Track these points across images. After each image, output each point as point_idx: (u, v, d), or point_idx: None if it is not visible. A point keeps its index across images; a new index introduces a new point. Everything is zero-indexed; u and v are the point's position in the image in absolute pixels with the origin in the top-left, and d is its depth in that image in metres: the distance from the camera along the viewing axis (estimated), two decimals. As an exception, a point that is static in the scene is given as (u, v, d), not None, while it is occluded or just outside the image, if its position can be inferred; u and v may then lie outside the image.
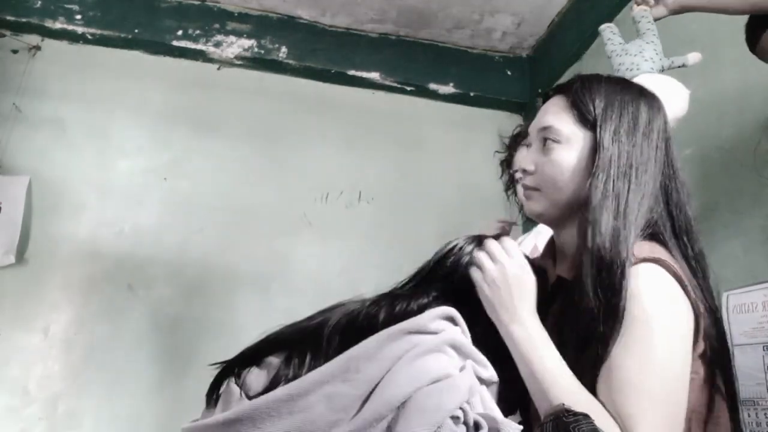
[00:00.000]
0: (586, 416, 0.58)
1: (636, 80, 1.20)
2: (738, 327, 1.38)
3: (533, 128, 1.02)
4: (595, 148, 0.93)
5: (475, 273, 0.90)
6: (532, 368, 0.83)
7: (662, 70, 1.36)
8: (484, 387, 0.80)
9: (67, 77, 2.65)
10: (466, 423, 0.72)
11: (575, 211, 0.93)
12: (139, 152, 2.64)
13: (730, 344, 1.05)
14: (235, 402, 0.81)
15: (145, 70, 2.74)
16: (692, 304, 0.86)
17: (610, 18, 2.40)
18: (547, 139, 0.97)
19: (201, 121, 2.72)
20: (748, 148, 1.59)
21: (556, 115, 0.98)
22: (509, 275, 0.88)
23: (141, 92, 2.70)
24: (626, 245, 0.85)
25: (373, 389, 0.73)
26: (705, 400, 0.86)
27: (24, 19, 2.62)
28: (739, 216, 1.57)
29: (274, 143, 2.71)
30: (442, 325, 0.82)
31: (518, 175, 1.30)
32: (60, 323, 2.38)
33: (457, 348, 0.80)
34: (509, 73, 3.02)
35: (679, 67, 1.37)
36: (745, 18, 1.32)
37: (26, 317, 2.37)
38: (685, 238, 0.92)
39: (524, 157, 1.03)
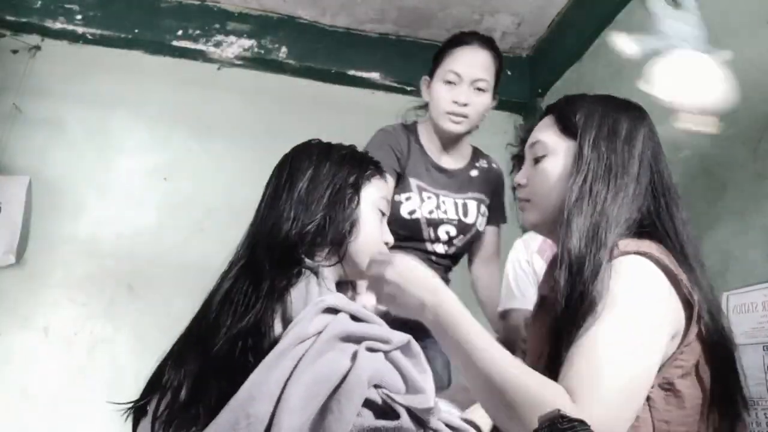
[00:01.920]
0: (582, 422, 0.58)
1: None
2: (738, 327, 1.38)
3: (526, 147, 1.09)
4: (577, 157, 0.98)
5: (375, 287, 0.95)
6: (462, 343, 0.85)
7: None
8: (397, 353, 0.78)
9: (67, 77, 2.64)
10: (385, 408, 0.73)
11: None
12: (139, 152, 2.64)
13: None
14: None
15: (145, 70, 2.73)
16: (683, 296, 0.87)
17: (610, 18, 2.40)
18: (535, 153, 1.05)
19: (201, 121, 2.72)
20: (748, 148, 1.59)
21: (542, 131, 1.06)
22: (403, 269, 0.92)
23: (141, 92, 2.70)
24: (601, 242, 0.89)
25: (269, 428, 0.71)
26: (698, 390, 0.87)
27: (24, 19, 2.62)
28: (739, 216, 1.57)
29: (274, 143, 2.70)
30: (322, 321, 0.79)
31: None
32: (60, 323, 2.38)
33: (346, 338, 0.78)
34: (509, 73, 3.01)
35: None
36: (741, 16, 1.32)
37: (26, 317, 2.37)
38: (674, 237, 0.94)
39: (519, 173, 1.11)
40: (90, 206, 2.53)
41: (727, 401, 0.88)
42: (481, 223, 1.73)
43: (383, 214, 1.11)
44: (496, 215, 1.80)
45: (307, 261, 0.97)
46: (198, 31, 2.76)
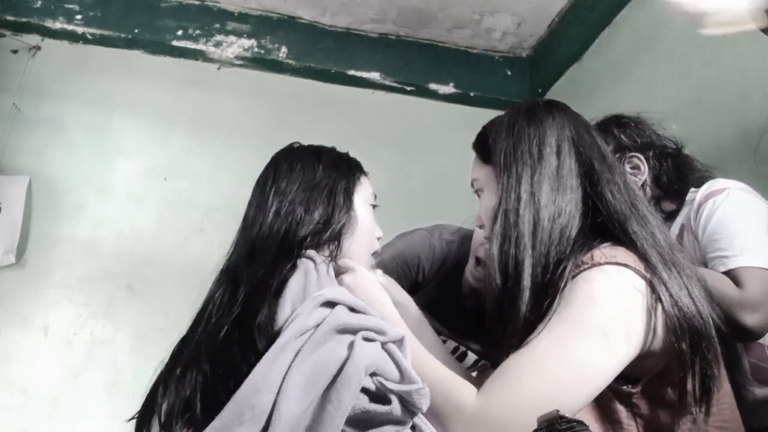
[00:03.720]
0: (580, 423, 0.58)
1: None
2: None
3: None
4: (495, 181, 0.96)
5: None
6: None
7: None
8: (392, 345, 0.81)
9: (67, 77, 2.65)
10: (379, 394, 0.75)
11: None
12: (139, 152, 2.64)
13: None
14: None
15: (145, 70, 2.74)
16: (657, 304, 0.83)
17: (610, 18, 2.40)
18: (476, 192, 1.05)
19: (201, 121, 2.72)
20: (748, 148, 1.59)
21: (473, 169, 1.06)
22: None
23: (141, 92, 2.70)
24: (516, 257, 0.87)
25: (270, 417, 0.74)
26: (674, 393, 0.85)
27: (24, 19, 2.62)
28: (739, 216, 1.57)
29: (274, 143, 2.70)
30: (321, 314, 0.83)
31: None
32: (60, 323, 2.38)
33: (343, 330, 0.81)
34: (509, 73, 3.02)
35: None
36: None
37: (26, 317, 2.37)
38: (623, 231, 0.89)
39: (477, 217, 1.08)
40: (90, 206, 2.53)
41: (707, 391, 0.84)
42: (473, 371, 1.57)
43: (374, 207, 1.16)
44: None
45: (306, 251, 1.01)
46: (198, 31, 2.76)
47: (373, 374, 0.77)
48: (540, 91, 2.89)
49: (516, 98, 2.98)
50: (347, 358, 0.76)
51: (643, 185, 1.36)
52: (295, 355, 0.78)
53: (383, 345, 0.80)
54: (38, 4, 2.64)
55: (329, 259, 1.03)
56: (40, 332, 2.36)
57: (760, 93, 1.62)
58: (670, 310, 0.82)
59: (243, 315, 0.90)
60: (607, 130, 1.40)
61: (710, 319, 0.85)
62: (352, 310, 0.85)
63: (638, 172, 1.36)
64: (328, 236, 1.04)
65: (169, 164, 2.65)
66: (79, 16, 2.66)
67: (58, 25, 2.64)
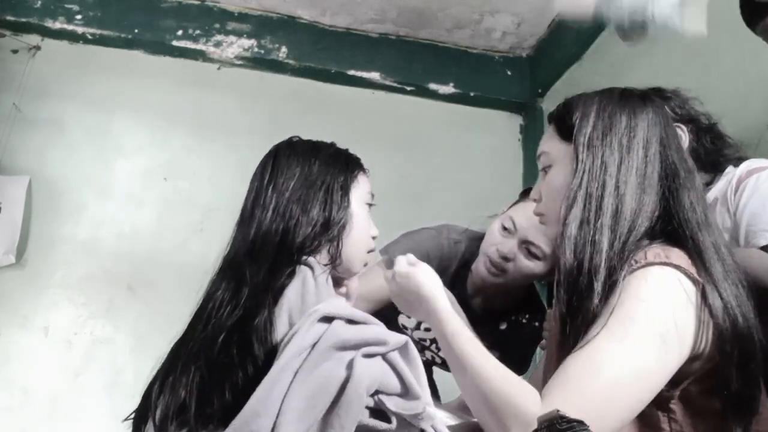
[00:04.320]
0: (581, 423, 0.58)
1: None
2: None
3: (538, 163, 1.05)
4: (574, 160, 0.93)
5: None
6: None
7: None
8: (395, 354, 0.79)
9: (67, 77, 2.65)
10: (379, 411, 0.75)
11: None
12: (139, 152, 2.64)
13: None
14: None
15: (145, 70, 2.73)
16: (706, 310, 0.82)
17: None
18: (543, 166, 1.01)
19: (201, 121, 2.72)
20: (748, 148, 1.59)
21: (545, 141, 1.02)
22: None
23: (141, 92, 2.70)
24: (594, 251, 0.84)
25: None
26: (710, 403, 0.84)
27: (24, 19, 2.62)
28: (739, 216, 1.57)
29: (274, 143, 2.71)
30: (318, 331, 0.80)
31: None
32: (60, 323, 2.38)
33: (341, 346, 0.78)
34: (509, 73, 3.02)
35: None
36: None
37: (26, 317, 2.37)
38: (685, 229, 0.88)
39: (533, 189, 1.06)
40: (90, 206, 2.53)
41: (748, 404, 0.84)
42: None
43: (369, 206, 1.15)
44: (511, 366, 1.59)
45: (304, 257, 0.99)
46: (198, 31, 2.76)
47: (375, 392, 0.76)
48: (540, 91, 2.89)
49: (516, 98, 2.98)
50: (347, 379, 0.75)
51: None
52: (294, 376, 0.76)
53: (384, 356, 0.78)
54: (38, 4, 2.64)
55: (329, 265, 1.03)
56: (40, 332, 2.36)
57: (760, 94, 1.62)
58: (720, 317, 0.82)
59: (244, 318, 0.89)
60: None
61: (758, 338, 0.85)
62: (351, 321, 0.82)
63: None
64: (327, 235, 1.03)
65: (169, 164, 2.65)
66: (79, 16, 2.66)
67: (58, 25, 2.64)
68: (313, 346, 0.79)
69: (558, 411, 0.61)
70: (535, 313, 1.60)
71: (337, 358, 0.77)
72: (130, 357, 2.36)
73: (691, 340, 0.81)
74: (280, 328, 0.87)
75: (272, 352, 0.84)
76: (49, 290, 2.41)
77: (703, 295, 0.82)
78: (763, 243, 1.17)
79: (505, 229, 1.44)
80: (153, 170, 2.63)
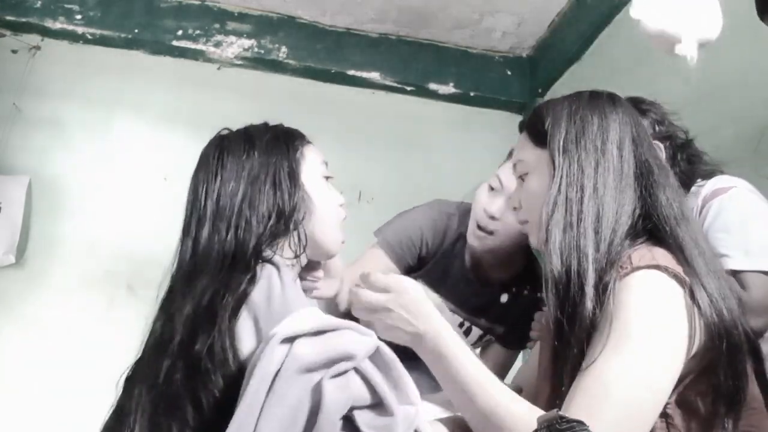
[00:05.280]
0: (580, 423, 0.58)
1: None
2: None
3: (514, 171, 1.05)
4: (550, 166, 0.93)
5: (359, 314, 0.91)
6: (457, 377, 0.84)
7: None
8: (366, 363, 0.73)
9: (67, 77, 2.65)
10: (350, 424, 0.70)
11: None
12: (139, 152, 2.64)
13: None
14: None
15: (145, 70, 2.73)
16: (695, 308, 0.82)
17: (609, 19, 2.39)
18: (520, 174, 1.01)
19: (201, 121, 2.71)
20: (748, 148, 1.59)
21: (520, 149, 1.02)
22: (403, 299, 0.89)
23: (141, 92, 2.70)
24: (581, 257, 0.84)
25: None
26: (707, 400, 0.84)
27: (24, 19, 2.62)
28: (739, 216, 1.57)
29: (274, 143, 2.71)
30: (280, 355, 0.72)
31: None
32: (60, 323, 2.38)
33: (306, 369, 0.71)
34: (509, 73, 3.02)
35: None
36: (742, 16, 1.31)
37: (26, 317, 2.37)
38: (664, 227, 0.88)
39: (513, 198, 1.05)
40: (90, 206, 2.53)
41: (737, 403, 0.83)
42: (477, 346, 1.59)
43: (327, 178, 1.06)
44: (515, 341, 1.57)
45: (265, 255, 0.91)
46: (198, 31, 2.76)
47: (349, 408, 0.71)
48: (540, 91, 2.89)
49: (516, 98, 2.98)
50: (317, 407, 0.69)
51: None
52: (261, 410, 0.70)
53: (356, 370, 0.72)
54: (38, 4, 2.64)
55: (295, 258, 0.96)
56: (40, 332, 2.36)
57: (760, 93, 1.62)
58: (709, 315, 0.82)
59: (184, 346, 0.81)
60: None
61: (743, 329, 0.85)
62: (317, 333, 0.74)
63: None
64: (284, 229, 0.95)
65: (169, 164, 2.65)
66: (79, 16, 2.66)
67: (58, 25, 2.64)
68: (277, 373, 0.71)
69: (558, 411, 0.61)
70: (536, 284, 1.52)
71: (303, 383, 0.71)
72: (130, 357, 2.36)
73: (687, 342, 0.81)
74: (246, 340, 0.79)
75: (241, 370, 0.76)
76: (49, 290, 2.41)
77: (691, 294, 0.83)
78: (727, 267, 1.16)
79: (492, 188, 1.42)
80: (153, 170, 2.63)
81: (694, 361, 0.83)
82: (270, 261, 0.89)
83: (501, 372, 1.55)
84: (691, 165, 1.34)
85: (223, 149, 1.04)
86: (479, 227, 1.39)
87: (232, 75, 2.81)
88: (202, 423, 0.76)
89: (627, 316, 0.80)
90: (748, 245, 1.19)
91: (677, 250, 0.86)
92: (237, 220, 0.93)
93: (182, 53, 2.76)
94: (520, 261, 1.52)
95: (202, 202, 0.98)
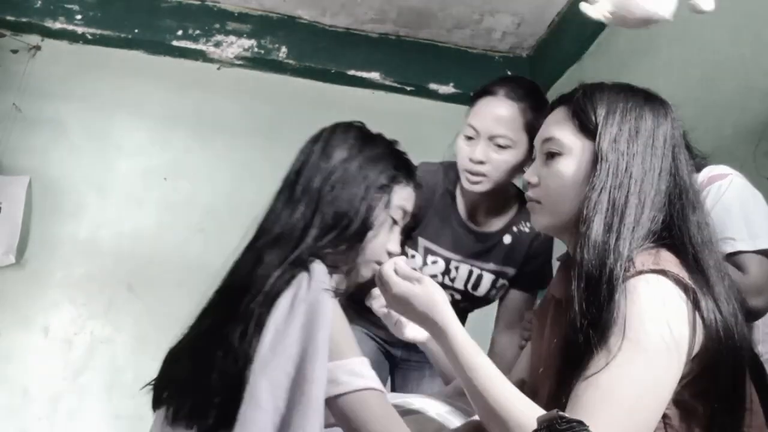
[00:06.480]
0: (580, 423, 0.58)
1: None
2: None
3: (537, 140, 1.01)
4: (596, 158, 0.90)
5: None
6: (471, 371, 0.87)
7: None
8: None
9: (67, 77, 2.65)
10: None
11: (576, 224, 0.91)
12: (139, 152, 2.65)
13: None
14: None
15: (145, 70, 2.74)
16: (697, 313, 0.82)
17: (610, 18, 2.39)
18: (550, 150, 0.97)
19: (201, 121, 2.72)
20: (748, 148, 1.59)
21: (558, 126, 0.97)
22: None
23: (141, 92, 2.70)
24: (616, 258, 0.83)
25: None
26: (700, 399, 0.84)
27: (24, 19, 2.62)
28: (739, 216, 1.57)
29: (274, 143, 2.71)
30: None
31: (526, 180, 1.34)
32: (60, 323, 2.39)
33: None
34: (509, 73, 3.01)
35: None
36: (743, 16, 1.31)
37: (26, 317, 2.37)
38: (687, 243, 0.88)
39: (529, 170, 1.02)
40: (90, 206, 2.53)
41: (732, 417, 0.84)
42: (495, 296, 1.59)
43: (394, 222, 1.07)
44: (529, 281, 1.58)
45: (310, 259, 0.94)
46: (198, 31, 2.76)
47: None
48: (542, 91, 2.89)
49: (516, 98, 2.98)
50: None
51: None
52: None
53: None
54: (38, 4, 2.64)
55: (332, 271, 0.97)
56: (40, 332, 2.36)
57: (760, 92, 1.62)
58: (710, 319, 0.82)
59: (226, 323, 0.88)
60: None
61: (745, 338, 0.85)
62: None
63: None
64: (343, 240, 0.97)
65: (169, 164, 2.65)
66: (79, 16, 2.66)
67: (58, 25, 2.64)
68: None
69: (557, 411, 0.61)
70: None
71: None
72: (130, 357, 2.36)
73: (687, 347, 0.81)
74: (268, 334, 0.85)
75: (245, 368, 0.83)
76: (49, 290, 2.41)
77: (695, 299, 0.82)
78: (728, 250, 1.17)
79: (468, 138, 1.48)
80: (153, 170, 2.63)
81: (693, 364, 0.83)
82: (309, 269, 0.92)
83: (521, 318, 1.55)
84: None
85: (332, 141, 1.05)
86: (471, 173, 1.45)
87: (232, 75, 2.81)
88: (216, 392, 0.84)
89: (630, 322, 0.80)
90: (750, 227, 1.20)
91: (694, 265, 0.86)
92: (315, 213, 0.97)
93: (182, 53, 2.76)
94: (514, 200, 1.56)
95: (296, 176, 1.02)
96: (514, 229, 1.54)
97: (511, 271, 1.56)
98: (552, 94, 3.08)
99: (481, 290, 1.54)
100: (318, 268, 0.92)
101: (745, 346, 0.85)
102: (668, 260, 0.85)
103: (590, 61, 2.54)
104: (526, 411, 0.81)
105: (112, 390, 2.32)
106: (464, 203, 1.53)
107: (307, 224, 0.96)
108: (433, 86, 2.92)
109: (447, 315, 0.92)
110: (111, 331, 2.41)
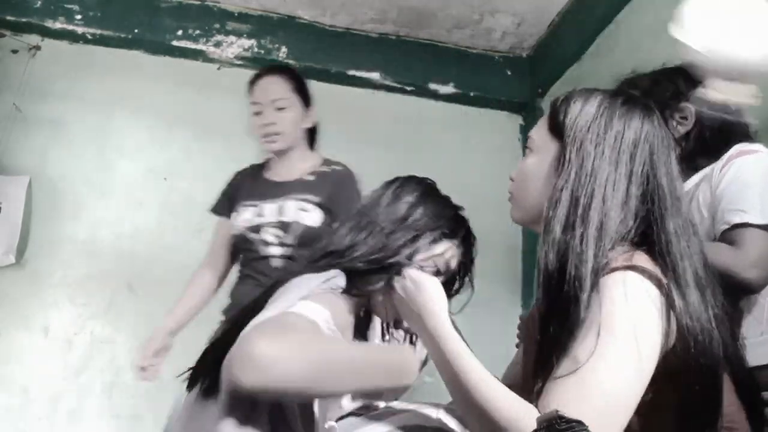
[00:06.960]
0: (580, 423, 0.58)
1: None
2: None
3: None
4: (562, 157, 0.92)
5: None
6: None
7: None
8: None
9: (67, 77, 2.65)
10: None
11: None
12: (139, 152, 2.65)
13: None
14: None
15: (145, 70, 2.74)
16: (668, 309, 0.82)
17: (609, 18, 2.40)
18: (527, 147, 1.01)
19: (201, 121, 2.72)
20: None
21: (537, 127, 1.01)
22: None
23: (141, 92, 2.70)
24: (581, 259, 0.83)
25: None
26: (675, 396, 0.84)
27: (24, 19, 2.62)
28: (739, 216, 1.57)
29: (274, 143, 2.72)
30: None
31: None
32: (60, 323, 2.39)
33: None
34: (509, 73, 3.02)
35: None
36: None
37: (26, 317, 2.37)
38: (663, 249, 0.87)
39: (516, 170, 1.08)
40: (90, 206, 2.53)
41: (712, 407, 0.83)
42: (304, 218, 1.74)
43: (438, 272, 1.11)
44: (343, 210, 1.73)
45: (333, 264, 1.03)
46: (198, 31, 2.76)
47: None
48: (540, 91, 2.89)
49: (516, 98, 2.98)
50: None
51: (686, 135, 1.36)
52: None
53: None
54: (38, 4, 2.64)
55: (343, 292, 1.02)
56: (40, 332, 2.36)
57: (760, 93, 1.62)
58: (683, 319, 0.82)
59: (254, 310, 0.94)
60: (670, 76, 1.42)
61: (726, 347, 0.85)
62: None
63: (685, 122, 1.37)
64: (374, 266, 1.04)
65: (169, 164, 2.65)
66: (79, 16, 2.66)
67: (58, 25, 2.64)
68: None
69: (557, 411, 0.61)
70: (338, 164, 1.93)
71: None
72: (130, 357, 2.36)
73: (659, 346, 0.81)
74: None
75: None
76: (49, 290, 2.41)
77: (668, 297, 0.82)
78: (736, 221, 1.20)
79: (256, 114, 1.87)
80: (153, 170, 2.63)
81: (662, 364, 0.82)
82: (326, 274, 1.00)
83: None
84: (722, 133, 1.34)
85: (414, 183, 1.18)
86: (266, 135, 1.85)
87: (232, 75, 2.81)
88: None
89: (604, 320, 0.79)
90: (765, 203, 1.21)
91: (669, 268, 0.85)
92: (369, 235, 1.07)
93: (182, 53, 2.76)
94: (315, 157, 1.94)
95: (364, 209, 1.12)
96: (318, 170, 1.86)
97: (316, 197, 1.79)
98: (552, 94, 3.09)
99: (287, 215, 1.75)
100: (341, 274, 1.00)
101: (723, 356, 0.84)
102: (641, 260, 0.84)
103: (590, 61, 2.54)
104: (526, 414, 0.79)
105: (112, 390, 2.32)
106: (272, 166, 1.91)
107: (354, 243, 1.05)
108: (433, 86, 2.92)
109: (441, 309, 0.95)
110: (111, 331, 2.41)
